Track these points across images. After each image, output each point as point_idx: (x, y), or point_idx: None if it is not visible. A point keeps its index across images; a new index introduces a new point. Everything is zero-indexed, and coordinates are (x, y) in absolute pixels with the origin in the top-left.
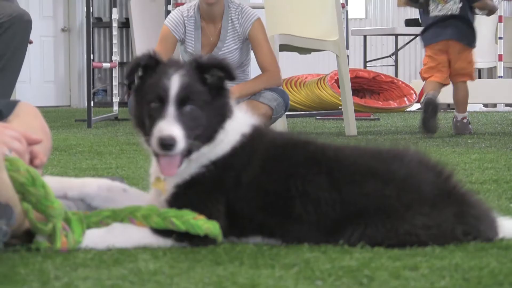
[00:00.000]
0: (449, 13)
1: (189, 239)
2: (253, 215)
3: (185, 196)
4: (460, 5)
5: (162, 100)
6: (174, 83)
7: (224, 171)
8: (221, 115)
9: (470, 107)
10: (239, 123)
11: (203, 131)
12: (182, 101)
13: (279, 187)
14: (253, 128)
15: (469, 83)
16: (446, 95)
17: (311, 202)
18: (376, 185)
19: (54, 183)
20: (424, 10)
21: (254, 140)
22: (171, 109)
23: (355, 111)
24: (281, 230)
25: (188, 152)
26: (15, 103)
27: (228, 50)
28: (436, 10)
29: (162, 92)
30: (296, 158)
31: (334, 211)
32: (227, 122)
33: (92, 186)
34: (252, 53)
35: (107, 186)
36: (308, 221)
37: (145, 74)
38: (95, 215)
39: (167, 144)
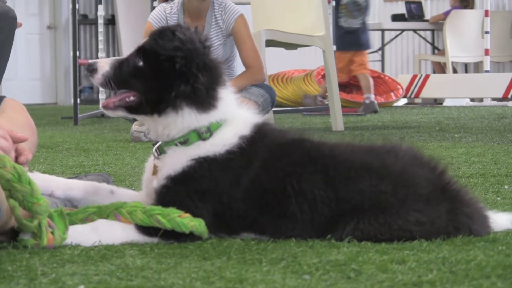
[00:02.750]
0: (353, 26)
1: (176, 237)
2: (248, 214)
3: (173, 190)
4: (361, 21)
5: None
6: (145, 40)
7: (218, 170)
8: (168, 86)
9: (457, 102)
10: (239, 123)
11: (142, 87)
12: (137, 52)
13: (275, 187)
14: (253, 130)
15: (456, 78)
16: (433, 90)
17: (306, 201)
18: (371, 181)
19: (41, 181)
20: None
21: (254, 143)
22: (125, 55)
23: (342, 106)
24: (274, 228)
25: (131, 107)
26: (0, 99)
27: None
28: (344, 22)
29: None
30: (292, 157)
31: (329, 209)
32: (185, 108)
33: (78, 189)
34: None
35: (93, 189)
36: (303, 219)
37: None
38: (81, 212)
39: (87, 67)
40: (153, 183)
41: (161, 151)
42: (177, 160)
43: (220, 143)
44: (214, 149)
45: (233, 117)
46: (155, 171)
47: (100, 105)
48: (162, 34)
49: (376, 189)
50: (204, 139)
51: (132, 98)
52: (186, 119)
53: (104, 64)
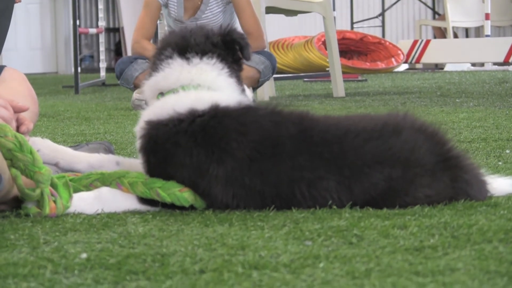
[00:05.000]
0: None
1: (177, 207)
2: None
3: (147, 161)
4: None
5: None
6: None
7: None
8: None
9: (458, 67)
10: (199, 97)
11: None
12: None
13: (279, 191)
14: (211, 109)
15: (457, 43)
16: (434, 56)
17: (319, 204)
18: (384, 172)
19: (49, 151)
20: None
21: (199, 122)
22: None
23: (343, 72)
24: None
25: None
26: (1, 69)
27: (211, 14)
28: None
29: None
30: (295, 157)
31: (343, 206)
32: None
33: (83, 163)
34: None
35: (99, 163)
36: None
37: None
38: (84, 177)
39: None
40: None
41: None
42: (138, 125)
43: (166, 107)
44: (160, 112)
45: (207, 88)
46: None
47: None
48: None
49: (389, 177)
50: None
51: None
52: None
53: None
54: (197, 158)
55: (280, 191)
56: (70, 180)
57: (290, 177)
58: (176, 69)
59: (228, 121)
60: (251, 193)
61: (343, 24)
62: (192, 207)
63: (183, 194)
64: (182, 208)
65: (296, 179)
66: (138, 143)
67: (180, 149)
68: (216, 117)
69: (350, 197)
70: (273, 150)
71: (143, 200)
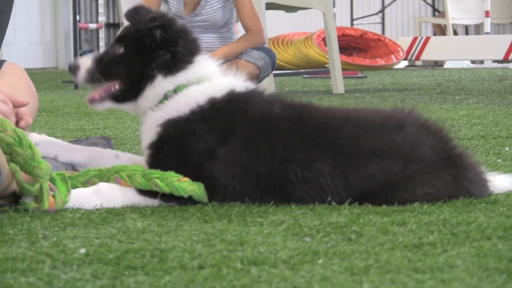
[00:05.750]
0: None
1: (176, 199)
2: (242, 192)
3: (156, 159)
4: None
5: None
6: (121, 29)
7: (185, 134)
8: (147, 66)
9: (457, 64)
10: (210, 86)
11: (124, 74)
12: (116, 41)
13: (269, 170)
14: (230, 96)
15: (457, 40)
16: (433, 53)
17: (312, 188)
18: (382, 164)
19: (47, 144)
20: None
21: (230, 110)
22: (105, 48)
23: (343, 69)
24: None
25: (116, 96)
26: (1, 63)
27: (211, 9)
28: None
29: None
30: (292, 140)
31: (339, 196)
32: (159, 77)
33: (83, 154)
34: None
35: (98, 154)
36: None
37: None
38: (82, 175)
39: (69, 68)
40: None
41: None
42: (149, 127)
43: (184, 101)
44: (178, 108)
45: (206, 80)
46: None
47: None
48: (136, 10)
49: (388, 170)
50: (168, 99)
51: (117, 86)
52: (158, 86)
53: (86, 61)
54: (211, 143)
55: (273, 170)
56: (68, 177)
57: (282, 157)
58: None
59: (237, 103)
60: (247, 172)
61: (343, 21)
62: (191, 201)
63: (181, 184)
64: (181, 201)
65: (288, 160)
66: (151, 139)
67: (196, 136)
68: (230, 101)
69: (345, 184)
70: (268, 129)
71: (142, 192)
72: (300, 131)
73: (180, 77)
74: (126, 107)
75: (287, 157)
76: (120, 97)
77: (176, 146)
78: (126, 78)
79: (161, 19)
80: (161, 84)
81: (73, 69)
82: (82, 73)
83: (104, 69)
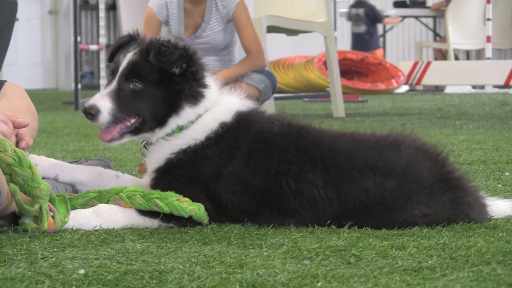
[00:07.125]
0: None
1: (176, 219)
2: (244, 207)
3: (163, 180)
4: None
5: (114, 74)
6: (126, 59)
7: (198, 160)
8: (175, 98)
9: (458, 89)
10: (220, 111)
11: (148, 109)
12: (127, 77)
13: (267, 184)
14: (237, 117)
15: (458, 65)
16: (434, 77)
17: (306, 200)
18: (375, 180)
19: (47, 164)
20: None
21: (236, 130)
22: (114, 83)
23: (343, 93)
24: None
25: (136, 129)
26: (1, 83)
27: (212, 31)
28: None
29: (114, 67)
30: (287, 153)
31: (332, 209)
32: (186, 107)
33: (84, 172)
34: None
35: (99, 173)
36: (304, 216)
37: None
38: (81, 196)
39: (88, 113)
40: (145, 179)
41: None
42: (160, 155)
43: (201, 129)
44: (196, 136)
45: (216, 104)
46: (141, 170)
47: (102, 140)
48: (160, 52)
49: (382, 187)
50: (183, 129)
51: (132, 120)
52: (184, 116)
53: (103, 102)
54: (219, 164)
55: (268, 183)
56: (68, 199)
57: (277, 169)
58: None
59: (242, 121)
60: (245, 187)
61: (344, 45)
62: (191, 222)
63: (181, 204)
64: (180, 222)
65: (283, 172)
66: (159, 164)
67: (207, 161)
68: (237, 121)
69: (338, 196)
70: (266, 145)
71: (142, 212)
72: (295, 145)
73: (201, 107)
74: (142, 137)
75: (282, 169)
76: (140, 130)
77: (186, 171)
78: (150, 112)
79: (186, 54)
80: (187, 114)
81: (94, 113)
82: (105, 116)
83: (127, 107)
